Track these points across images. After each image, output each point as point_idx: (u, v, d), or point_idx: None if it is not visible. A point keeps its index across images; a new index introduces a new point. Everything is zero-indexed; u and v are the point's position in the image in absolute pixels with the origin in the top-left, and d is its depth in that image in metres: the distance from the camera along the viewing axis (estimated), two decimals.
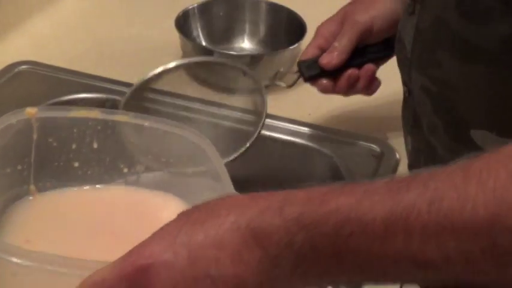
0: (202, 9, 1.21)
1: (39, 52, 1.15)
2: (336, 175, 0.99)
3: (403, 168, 0.97)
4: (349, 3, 0.97)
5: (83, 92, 1.07)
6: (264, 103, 0.96)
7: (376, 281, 0.53)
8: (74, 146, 0.79)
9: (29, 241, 0.72)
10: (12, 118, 0.74)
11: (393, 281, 0.53)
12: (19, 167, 0.77)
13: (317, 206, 0.50)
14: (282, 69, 1.01)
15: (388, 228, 0.48)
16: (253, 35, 1.24)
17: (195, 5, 1.20)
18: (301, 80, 0.96)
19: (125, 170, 0.82)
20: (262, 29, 1.23)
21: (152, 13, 1.30)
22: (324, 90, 0.96)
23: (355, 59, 0.94)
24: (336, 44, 0.93)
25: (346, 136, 1.03)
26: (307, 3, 1.22)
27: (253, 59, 1.12)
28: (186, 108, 1.05)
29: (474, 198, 0.46)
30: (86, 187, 0.80)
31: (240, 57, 1.14)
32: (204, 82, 1.06)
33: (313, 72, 0.94)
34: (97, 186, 0.80)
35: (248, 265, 0.50)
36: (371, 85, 0.95)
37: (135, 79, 1.09)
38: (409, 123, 0.83)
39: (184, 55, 1.16)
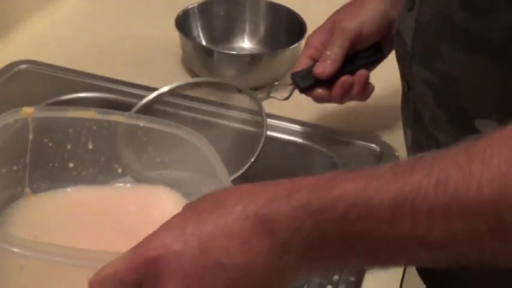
0: (203, 8, 1.21)
1: (39, 51, 1.15)
2: None
3: None
4: (336, 12, 0.97)
5: (82, 91, 1.07)
6: (263, 119, 0.97)
7: (384, 264, 0.54)
8: (69, 147, 0.79)
9: (37, 236, 0.72)
10: (10, 117, 0.75)
11: (400, 263, 0.54)
12: (14, 168, 0.77)
13: (324, 192, 0.51)
14: (276, 83, 1.01)
15: (395, 211, 0.49)
16: (253, 35, 1.24)
17: (195, 4, 1.20)
18: None
19: (119, 171, 0.82)
20: (262, 29, 1.23)
21: (152, 12, 1.30)
22: (320, 100, 0.97)
23: (347, 66, 0.95)
24: (328, 52, 0.94)
25: (346, 136, 1.03)
26: (307, 3, 1.22)
27: (253, 59, 1.12)
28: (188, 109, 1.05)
29: (479, 178, 0.47)
30: (83, 186, 0.80)
31: (240, 57, 1.14)
32: (200, 101, 1.06)
33: (307, 82, 0.95)
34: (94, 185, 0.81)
35: (258, 253, 0.51)
36: (365, 90, 0.96)
37: (134, 78, 1.10)
38: (409, 117, 0.83)
39: (184, 54, 1.16)
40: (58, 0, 1.27)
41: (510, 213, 0.47)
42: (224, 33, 1.23)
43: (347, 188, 0.50)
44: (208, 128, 0.98)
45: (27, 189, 0.78)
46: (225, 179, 0.71)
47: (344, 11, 0.96)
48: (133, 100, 1.03)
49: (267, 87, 1.01)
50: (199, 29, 1.21)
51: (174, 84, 1.02)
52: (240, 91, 1.01)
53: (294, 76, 0.96)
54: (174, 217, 0.54)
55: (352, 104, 1.03)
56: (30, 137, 0.76)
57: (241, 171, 0.93)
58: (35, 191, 0.79)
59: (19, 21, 1.20)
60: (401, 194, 0.49)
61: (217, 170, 0.72)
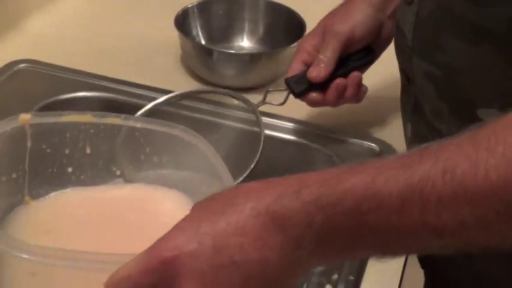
0: (202, 7, 1.21)
1: (39, 50, 1.15)
2: None
3: None
4: (327, 16, 0.98)
5: (82, 90, 1.07)
6: (260, 130, 0.97)
7: (394, 253, 0.55)
8: (67, 151, 0.79)
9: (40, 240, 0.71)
10: (7, 125, 0.74)
11: (410, 251, 0.56)
12: (14, 175, 0.77)
13: (333, 186, 0.52)
14: (270, 89, 1.02)
15: (404, 201, 0.50)
16: (252, 34, 1.24)
17: (195, 3, 1.20)
18: None
19: (118, 173, 0.82)
20: (261, 28, 1.23)
21: (152, 12, 1.30)
22: (314, 104, 0.97)
23: (340, 69, 0.95)
24: (321, 56, 0.94)
25: (346, 135, 1.03)
26: (306, 2, 1.22)
27: (252, 58, 1.12)
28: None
29: (485, 164, 0.48)
30: (82, 187, 0.80)
31: (239, 56, 1.14)
32: (195, 110, 1.06)
33: (302, 87, 0.96)
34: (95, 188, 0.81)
35: (271, 249, 0.52)
36: (359, 92, 0.97)
37: (134, 78, 1.10)
38: (409, 111, 0.84)
39: (184, 54, 1.16)
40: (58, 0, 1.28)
41: None
42: (223, 33, 1.23)
43: (355, 181, 0.51)
44: (207, 130, 0.97)
45: (27, 197, 0.78)
46: (226, 176, 0.71)
47: (334, 15, 0.97)
48: (133, 99, 1.03)
49: (263, 91, 1.02)
50: (199, 28, 1.21)
51: (167, 96, 1.02)
52: (235, 98, 1.02)
53: (288, 81, 0.97)
54: (186, 218, 0.54)
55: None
56: (29, 144, 0.76)
57: (241, 178, 0.93)
58: (35, 197, 0.79)
59: (19, 20, 1.20)
60: (410, 184, 0.50)
61: (218, 168, 0.72)
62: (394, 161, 0.52)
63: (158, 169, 0.81)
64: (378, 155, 1.00)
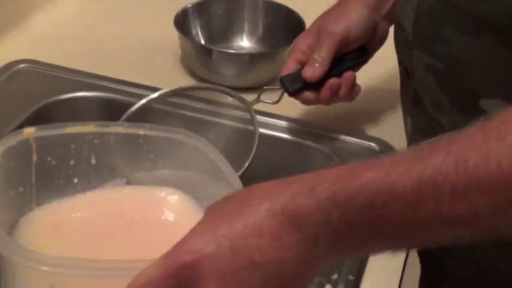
0: (201, 7, 1.21)
1: (38, 50, 1.15)
2: None
3: None
4: (321, 16, 0.98)
5: (81, 90, 1.07)
6: (255, 129, 0.97)
7: (410, 246, 0.57)
8: (72, 162, 0.80)
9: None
10: (12, 140, 0.75)
11: (425, 243, 0.57)
12: (21, 189, 0.77)
13: (348, 182, 0.52)
14: (265, 87, 1.02)
15: (418, 194, 0.51)
16: (252, 34, 1.24)
17: (194, 3, 1.20)
18: None
19: (124, 181, 0.83)
20: (261, 28, 1.23)
21: (151, 12, 1.30)
22: (308, 102, 0.98)
23: (334, 68, 0.96)
24: (316, 55, 0.95)
25: (345, 134, 1.03)
26: (305, 2, 1.22)
27: (252, 58, 1.12)
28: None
29: (497, 154, 0.49)
30: (89, 192, 0.81)
31: (239, 56, 1.15)
32: (190, 108, 1.06)
33: (296, 86, 0.96)
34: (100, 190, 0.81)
35: (289, 248, 0.52)
36: (352, 91, 0.97)
37: (134, 78, 1.10)
38: (408, 104, 0.84)
39: (184, 54, 1.16)
40: None
41: None
42: (223, 32, 1.23)
43: (370, 176, 0.52)
44: (202, 128, 0.97)
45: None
46: (233, 177, 0.71)
47: (329, 15, 0.97)
48: (132, 99, 1.03)
49: (258, 90, 1.02)
50: (198, 28, 1.21)
51: (161, 91, 1.02)
52: (230, 95, 1.01)
53: (282, 80, 0.97)
54: (202, 221, 0.55)
55: (351, 102, 1.02)
56: (34, 157, 0.77)
57: (243, 169, 0.93)
58: None
59: (18, 20, 1.20)
60: (423, 177, 0.51)
61: (223, 169, 0.73)
62: (406, 155, 0.53)
63: (165, 174, 0.81)
64: (375, 153, 1.00)
